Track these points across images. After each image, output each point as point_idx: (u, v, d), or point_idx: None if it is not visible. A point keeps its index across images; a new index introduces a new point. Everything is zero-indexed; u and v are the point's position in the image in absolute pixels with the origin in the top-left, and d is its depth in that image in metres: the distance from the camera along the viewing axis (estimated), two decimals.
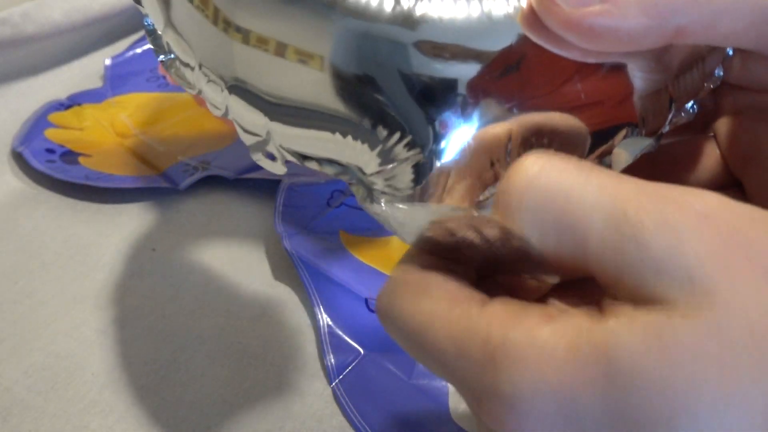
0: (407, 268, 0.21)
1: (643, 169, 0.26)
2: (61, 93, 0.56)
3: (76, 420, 0.35)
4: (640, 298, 0.16)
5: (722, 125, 0.27)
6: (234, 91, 0.24)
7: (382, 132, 0.22)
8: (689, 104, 0.25)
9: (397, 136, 0.22)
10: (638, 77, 0.23)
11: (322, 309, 0.38)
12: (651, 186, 0.17)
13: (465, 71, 0.21)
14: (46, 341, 0.38)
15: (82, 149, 0.51)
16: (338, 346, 0.37)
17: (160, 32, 0.26)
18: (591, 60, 0.21)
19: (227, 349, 0.38)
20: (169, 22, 0.25)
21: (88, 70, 0.60)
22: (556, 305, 0.19)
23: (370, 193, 0.23)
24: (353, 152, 0.23)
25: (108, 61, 0.59)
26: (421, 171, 0.22)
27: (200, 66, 0.24)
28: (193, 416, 0.35)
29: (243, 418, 0.35)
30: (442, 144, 0.22)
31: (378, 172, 0.23)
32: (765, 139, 0.26)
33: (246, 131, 0.24)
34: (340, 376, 0.36)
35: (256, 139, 0.24)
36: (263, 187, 0.47)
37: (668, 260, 0.16)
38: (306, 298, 0.40)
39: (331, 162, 0.23)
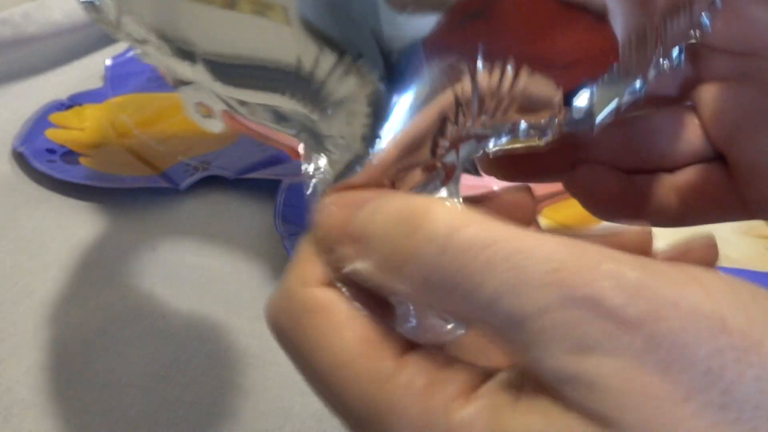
0: (312, 282, 0.17)
1: (620, 144, 0.24)
2: (62, 93, 0.56)
3: (77, 420, 0.35)
4: (555, 393, 0.15)
5: (703, 93, 0.25)
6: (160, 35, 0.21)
7: (329, 56, 0.19)
8: (675, 53, 0.23)
9: (347, 59, 0.18)
10: (620, 22, 0.20)
11: None
12: (561, 269, 0.14)
13: (426, 23, 0.18)
14: (46, 341, 0.38)
15: (82, 149, 0.51)
16: None
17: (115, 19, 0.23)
18: None
19: (227, 349, 0.38)
20: None
21: (88, 71, 0.60)
22: (482, 364, 0.17)
23: (321, 146, 0.20)
24: (296, 89, 0.20)
25: (109, 62, 0.59)
26: (378, 103, 0.19)
27: (148, 31, 0.22)
28: (193, 416, 0.35)
29: (243, 417, 0.35)
30: (402, 73, 0.19)
31: (325, 114, 0.20)
32: (751, 109, 0.24)
33: (177, 80, 0.22)
34: None
35: (190, 87, 0.22)
36: (263, 187, 0.47)
37: (573, 375, 0.14)
38: None
39: (272, 110, 0.21)
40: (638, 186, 0.26)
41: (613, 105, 0.21)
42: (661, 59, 0.22)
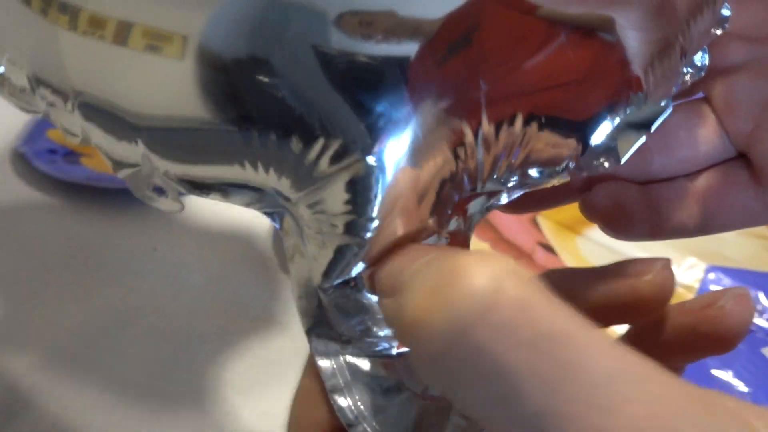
0: None
1: (634, 154, 0.21)
2: None
3: (78, 419, 0.35)
4: None
5: (717, 84, 0.23)
6: (85, 111, 0.17)
7: (297, 143, 0.15)
8: (697, 57, 0.20)
9: (319, 144, 0.15)
10: (636, 43, 0.18)
11: None
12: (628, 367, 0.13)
13: (403, 50, 0.15)
14: (47, 341, 0.38)
15: (83, 149, 0.51)
16: None
17: None
18: (575, 8, 0.16)
19: (228, 349, 0.38)
20: None
21: None
22: None
23: (298, 226, 0.17)
24: (263, 174, 0.16)
25: None
26: (359, 188, 0.15)
27: (32, 79, 0.18)
28: (194, 416, 0.35)
29: (244, 418, 0.35)
30: (384, 145, 0.15)
31: (301, 196, 0.16)
32: None
33: (117, 163, 0.18)
34: None
35: (133, 170, 0.18)
36: None
37: None
38: None
39: (240, 187, 0.17)
40: (656, 198, 0.23)
41: (641, 141, 0.19)
42: (684, 68, 0.20)
